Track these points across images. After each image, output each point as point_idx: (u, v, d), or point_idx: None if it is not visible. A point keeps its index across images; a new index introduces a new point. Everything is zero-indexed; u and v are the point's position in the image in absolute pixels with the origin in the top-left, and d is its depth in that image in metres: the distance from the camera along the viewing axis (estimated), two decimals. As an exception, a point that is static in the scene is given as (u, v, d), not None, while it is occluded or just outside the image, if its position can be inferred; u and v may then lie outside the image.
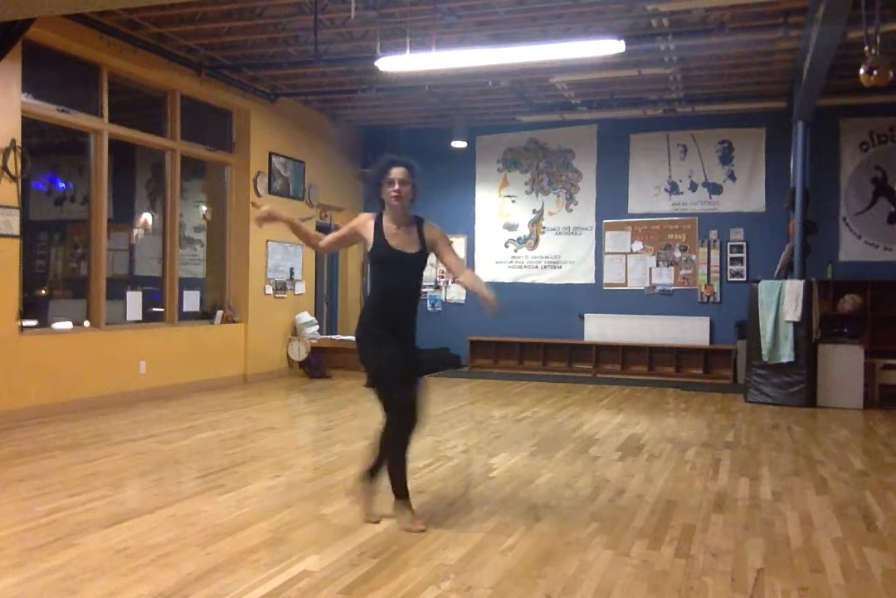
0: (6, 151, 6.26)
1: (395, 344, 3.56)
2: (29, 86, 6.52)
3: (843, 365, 7.67)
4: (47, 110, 6.82)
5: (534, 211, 10.90)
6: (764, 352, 7.85)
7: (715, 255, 10.07)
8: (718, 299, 10.05)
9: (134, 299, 7.79)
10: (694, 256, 10.17)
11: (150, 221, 9.92)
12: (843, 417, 7.16)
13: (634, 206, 10.40)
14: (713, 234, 10.08)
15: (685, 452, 5.45)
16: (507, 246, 10.99)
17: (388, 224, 3.63)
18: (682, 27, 6.94)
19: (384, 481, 3.71)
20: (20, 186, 6.44)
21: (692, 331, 10.02)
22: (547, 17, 6.75)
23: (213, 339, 8.63)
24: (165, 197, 8.38)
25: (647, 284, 10.36)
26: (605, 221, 10.52)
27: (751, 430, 6.42)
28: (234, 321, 8.98)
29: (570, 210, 10.72)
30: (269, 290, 9.48)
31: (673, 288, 10.26)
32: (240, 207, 9.14)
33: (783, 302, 7.82)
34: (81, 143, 7.50)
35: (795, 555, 3.30)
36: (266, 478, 4.56)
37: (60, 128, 7.26)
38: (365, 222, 3.68)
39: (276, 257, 9.56)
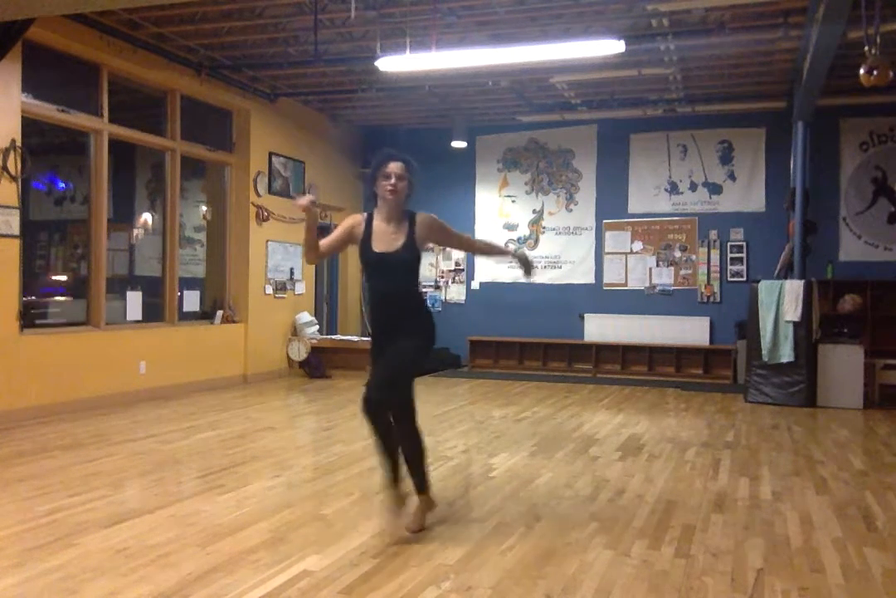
0: (6, 151, 6.26)
1: (382, 340, 3.54)
2: (29, 86, 6.52)
3: (843, 365, 7.66)
4: (47, 110, 6.82)
5: (534, 211, 10.90)
6: (764, 352, 7.85)
7: (715, 255, 10.07)
8: (718, 299, 10.05)
9: (134, 299, 7.79)
10: (694, 256, 10.17)
11: (150, 221, 9.91)
12: (843, 417, 7.16)
13: (634, 206, 10.40)
14: (713, 234, 10.08)
15: (685, 452, 5.45)
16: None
17: (377, 223, 3.55)
18: (682, 27, 6.94)
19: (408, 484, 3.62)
20: (20, 186, 6.44)
21: (692, 331, 10.02)
22: (547, 17, 6.75)
23: (213, 339, 8.63)
24: (165, 197, 8.38)
25: (647, 284, 10.36)
26: (605, 221, 10.53)
27: (751, 430, 6.42)
28: (234, 321, 8.98)
29: (570, 210, 10.73)
30: (269, 290, 9.48)
31: (673, 288, 10.26)
32: (240, 207, 9.15)
33: (783, 302, 7.82)
34: (81, 143, 7.50)
35: (795, 555, 3.30)
36: (266, 478, 4.56)
37: (60, 128, 7.26)
38: (358, 224, 3.61)
39: (276, 257, 9.56)
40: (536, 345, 10.58)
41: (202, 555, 3.20)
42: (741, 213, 9.96)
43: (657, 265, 10.32)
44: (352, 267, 11.22)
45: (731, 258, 10.00)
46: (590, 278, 10.59)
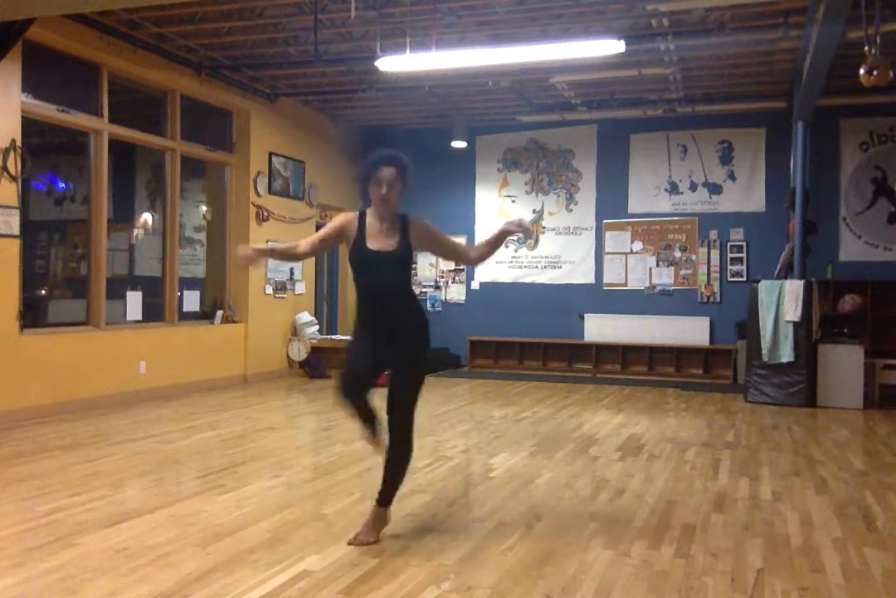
0: (6, 151, 6.26)
1: (370, 344, 3.42)
2: (29, 86, 6.51)
3: (843, 365, 7.67)
4: (47, 110, 6.82)
5: (534, 211, 10.90)
6: (764, 352, 7.85)
7: (715, 255, 10.07)
8: (718, 299, 10.05)
9: (134, 299, 7.79)
10: (694, 256, 10.17)
11: (150, 221, 9.92)
12: (843, 417, 7.16)
13: (634, 206, 10.40)
14: (713, 234, 10.08)
15: (685, 452, 5.45)
16: (506, 246, 10.97)
17: (370, 222, 3.44)
18: (682, 27, 6.94)
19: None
20: (20, 186, 6.44)
21: (692, 331, 10.02)
22: (547, 17, 6.75)
23: (213, 339, 8.63)
24: (165, 197, 8.38)
25: (647, 284, 10.36)
26: (605, 221, 10.53)
27: (751, 430, 6.42)
28: (234, 321, 8.98)
29: (570, 210, 10.73)
30: (269, 290, 9.48)
31: (673, 288, 10.26)
32: (240, 207, 9.15)
33: (783, 302, 7.82)
34: (81, 143, 7.50)
35: (795, 555, 3.30)
36: (266, 478, 4.56)
37: (60, 128, 7.26)
38: (349, 223, 3.46)
39: (277, 257, 9.53)
40: (536, 345, 10.57)
41: (202, 555, 3.20)
42: (741, 213, 9.96)
43: (657, 265, 10.32)
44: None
45: (731, 258, 10.00)
46: (590, 278, 10.59)
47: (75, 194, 9.79)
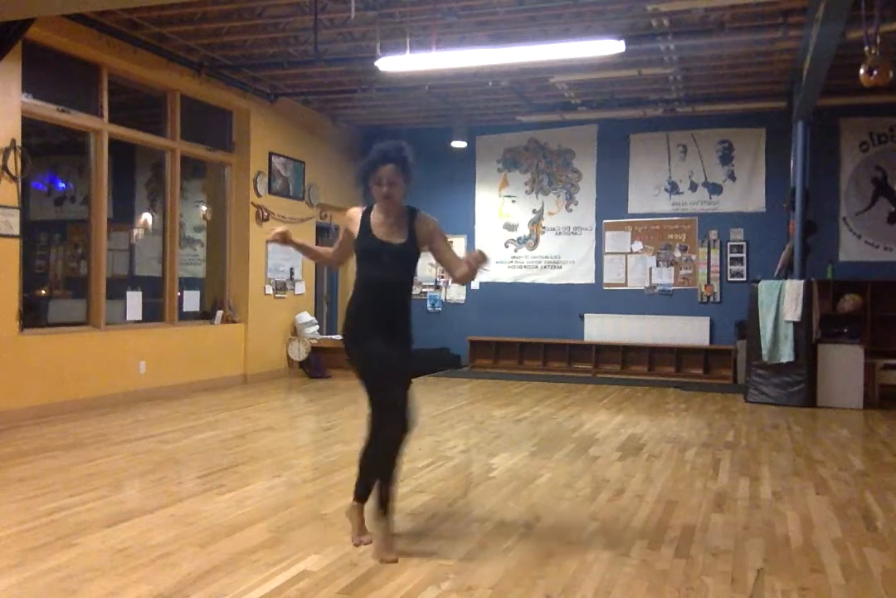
0: (6, 151, 6.26)
1: (382, 342, 3.32)
2: (29, 86, 6.51)
3: (843, 365, 7.66)
4: (47, 110, 6.82)
5: (534, 211, 10.90)
6: (764, 352, 7.85)
7: (715, 255, 10.07)
8: (718, 299, 10.05)
9: (134, 299, 7.79)
10: (694, 256, 10.17)
11: (150, 221, 9.93)
12: (843, 417, 7.16)
13: (634, 206, 10.40)
14: (713, 234, 10.08)
15: (685, 452, 5.45)
16: (507, 246, 10.98)
17: (376, 214, 3.39)
18: (682, 27, 6.94)
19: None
20: (20, 186, 6.44)
21: (692, 331, 10.02)
22: (547, 16, 6.74)
23: (213, 339, 8.62)
24: (165, 197, 8.38)
25: (647, 284, 10.36)
26: (605, 221, 10.53)
27: (751, 430, 6.42)
28: (234, 321, 8.98)
29: (570, 210, 10.73)
30: (269, 290, 9.48)
31: (673, 288, 10.26)
32: (240, 207, 9.14)
33: (783, 302, 7.82)
34: (81, 143, 7.50)
35: (795, 555, 3.30)
36: (266, 478, 4.56)
37: (60, 128, 7.26)
38: (354, 217, 3.44)
39: (276, 257, 9.56)
40: (536, 345, 10.57)
41: (202, 555, 3.20)
42: (741, 213, 9.96)
43: (657, 265, 10.32)
44: (352, 267, 11.17)
45: (731, 258, 10.00)
46: (590, 278, 10.59)
47: (75, 194, 9.81)
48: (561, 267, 10.73)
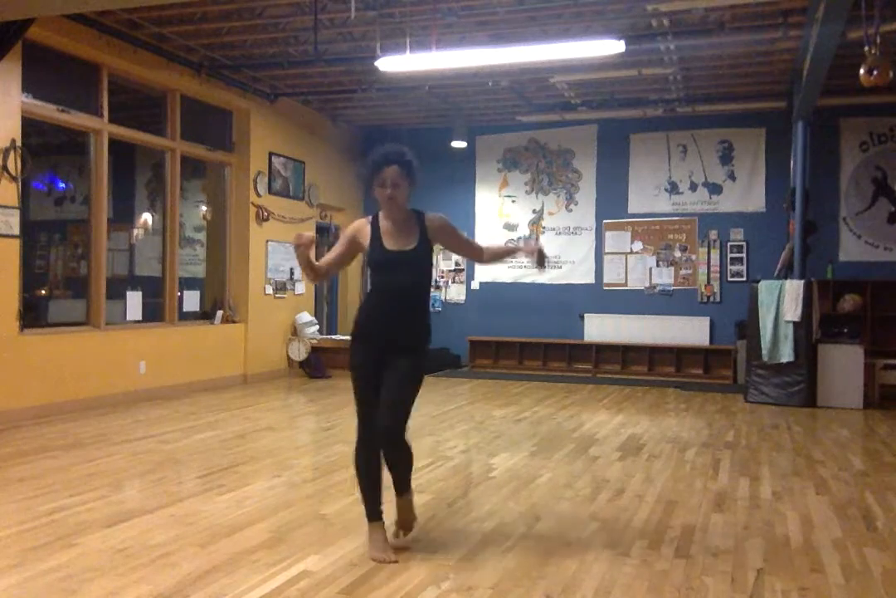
0: (6, 151, 6.26)
1: (381, 350, 3.27)
2: (29, 86, 6.51)
3: (843, 365, 7.66)
4: (47, 110, 6.82)
5: (534, 211, 10.90)
6: (764, 352, 7.85)
7: (715, 255, 10.07)
8: (718, 299, 10.05)
9: (134, 299, 7.79)
10: (694, 256, 10.17)
11: (150, 221, 9.93)
12: (843, 417, 7.16)
13: (634, 206, 10.40)
14: (713, 234, 10.08)
15: (685, 452, 5.45)
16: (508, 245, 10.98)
17: (384, 223, 3.37)
18: (682, 27, 6.94)
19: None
20: (20, 186, 6.44)
21: (692, 331, 10.02)
22: (547, 16, 6.74)
23: (213, 339, 8.62)
24: (165, 197, 8.38)
25: (647, 285, 10.36)
26: (605, 221, 10.53)
27: (751, 430, 6.42)
28: (234, 321, 8.98)
29: (570, 210, 10.73)
30: (269, 290, 9.48)
31: (673, 288, 10.26)
32: (240, 207, 9.14)
33: (783, 302, 7.82)
34: (81, 143, 7.50)
35: (795, 555, 3.30)
36: (266, 478, 4.56)
37: (60, 128, 7.26)
38: (361, 228, 3.38)
39: (276, 257, 9.57)
40: (536, 345, 10.57)
41: (202, 555, 3.20)
42: (741, 213, 9.96)
43: (657, 265, 10.32)
44: (352, 267, 11.22)
45: (731, 258, 10.00)
46: (590, 278, 10.59)
47: (75, 194, 9.82)
48: (561, 267, 10.72)
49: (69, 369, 6.77)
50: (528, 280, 10.87)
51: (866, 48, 4.99)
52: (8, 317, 6.29)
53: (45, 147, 8.56)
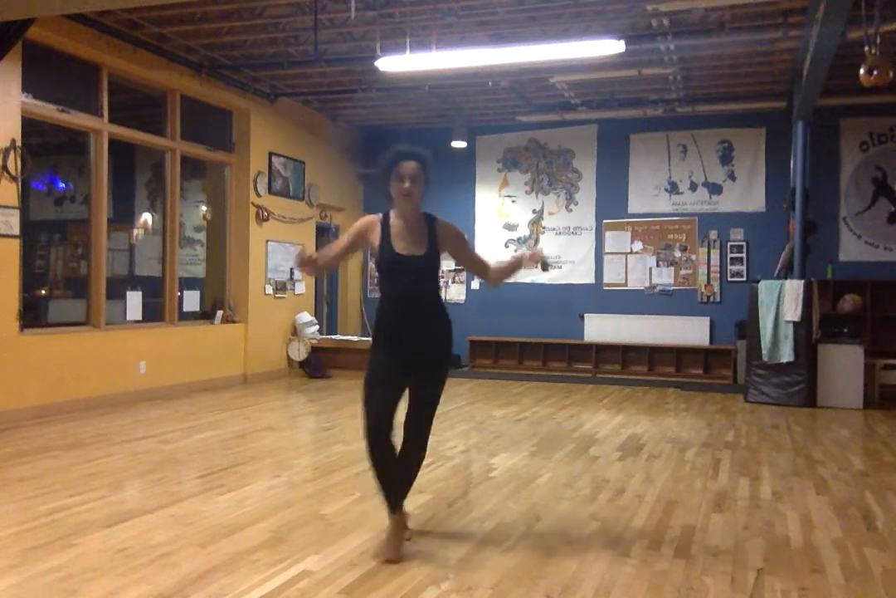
0: (6, 151, 6.26)
1: (391, 353, 3.29)
2: (29, 86, 6.51)
3: (843, 365, 7.66)
4: (47, 110, 6.82)
5: (534, 211, 10.90)
6: (764, 352, 7.85)
7: (715, 255, 10.07)
8: (718, 299, 10.05)
9: (134, 299, 7.79)
10: (694, 256, 10.17)
11: (150, 221, 9.93)
12: (843, 417, 7.16)
13: (634, 206, 10.40)
14: (713, 234, 10.08)
15: (685, 452, 5.45)
16: (507, 246, 10.98)
17: (395, 223, 3.31)
18: (682, 27, 6.94)
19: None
20: (20, 186, 6.44)
21: (692, 331, 10.02)
22: (547, 16, 6.74)
23: (213, 339, 8.62)
24: (165, 197, 8.38)
25: (647, 285, 10.36)
26: (605, 221, 10.52)
27: (751, 430, 6.42)
28: (234, 321, 8.98)
29: (570, 210, 10.72)
30: (269, 290, 9.48)
31: (673, 288, 10.26)
32: (240, 207, 9.14)
33: (783, 302, 7.82)
34: (81, 143, 7.50)
35: (795, 555, 3.30)
36: (266, 478, 4.56)
37: (60, 128, 7.26)
38: (373, 226, 3.34)
39: (276, 257, 9.56)
40: (536, 345, 10.57)
41: (202, 555, 3.20)
42: (741, 213, 9.96)
43: (657, 265, 10.32)
44: (352, 267, 11.23)
45: (731, 258, 10.00)
46: (590, 278, 10.59)
47: (75, 194, 9.82)
48: (561, 267, 10.71)
49: (69, 369, 6.77)
50: (528, 280, 10.84)
51: (866, 48, 4.99)
52: (8, 317, 6.29)
53: (45, 147, 8.56)
